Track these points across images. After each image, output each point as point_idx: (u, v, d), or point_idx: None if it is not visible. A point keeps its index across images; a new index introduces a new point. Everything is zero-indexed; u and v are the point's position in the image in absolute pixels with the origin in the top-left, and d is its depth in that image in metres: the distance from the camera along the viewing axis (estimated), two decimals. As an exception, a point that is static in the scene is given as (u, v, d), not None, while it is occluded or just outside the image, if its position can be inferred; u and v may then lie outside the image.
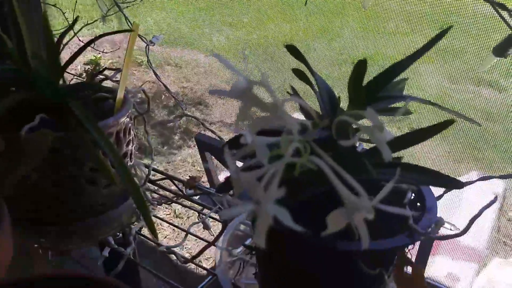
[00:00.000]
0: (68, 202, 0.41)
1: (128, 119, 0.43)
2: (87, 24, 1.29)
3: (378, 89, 0.28)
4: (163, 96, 2.26)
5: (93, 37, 0.44)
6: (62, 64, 0.42)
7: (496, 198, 0.28)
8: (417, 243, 0.95)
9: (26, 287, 0.26)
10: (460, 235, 0.28)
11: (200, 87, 2.50)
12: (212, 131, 0.53)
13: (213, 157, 1.16)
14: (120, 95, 0.41)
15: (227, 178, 0.27)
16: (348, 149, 0.23)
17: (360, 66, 0.24)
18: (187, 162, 1.93)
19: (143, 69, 2.62)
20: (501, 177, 0.37)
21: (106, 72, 0.48)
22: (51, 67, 0.40)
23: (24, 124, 0.36)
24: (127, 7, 0.77)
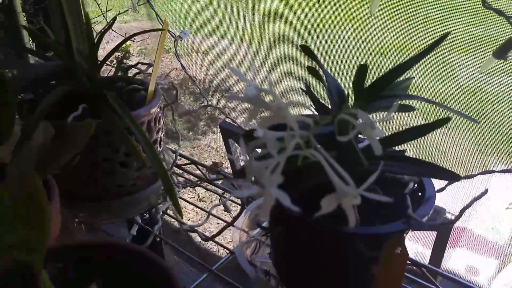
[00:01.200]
0: (103, 182, 0.46)
1: (158, 109, 0.47)
2: (120, 14, 1.35)
3: (379, 89, 0.31)
4: (189, 83, 2.32)
5: (123, 24, 0.48)
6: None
7: (486, 190, 0.31)
8: (434, 234, 0.97)
9: (71, 252, 0.31)
10: (452, 223, 0.31)
11: (225, 75, 2.53)
12: (233, 121, 0.57)
13: (236, 144, 1.20)
14: (151, 87, 0.46)
15: (243, 166, 0.31)
16: (347, 144, 0.26)
17: (362, 70, 0.27)
18: (211, 147, 1.99)
19: (171, 56, 2.68)
20: (503, 171, 0.40)
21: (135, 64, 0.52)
22: (92, 61, 0.45)
23: (66, 112, 0.41)
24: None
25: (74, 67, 0.44)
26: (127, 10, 1.70)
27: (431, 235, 1.00)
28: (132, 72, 0.50)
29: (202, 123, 2.12)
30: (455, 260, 1.20)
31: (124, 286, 0.30)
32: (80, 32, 0.45)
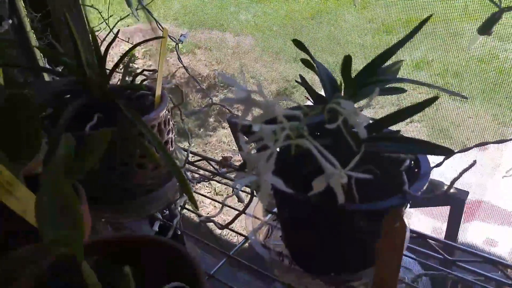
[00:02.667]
0: (122, 183, 0.50)
1: (166, 112, 0.50)
2: (121, 19, 1.39)
3: (368, 76, 0.33)
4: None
5: (125, 28, 0.51)
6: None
7: (475, 162, 0.33)
8: (447, 209, 0.98)
9: (104, 246, 0.35)
10: (444, 194, 0.33)
11: (231, 69, 2.55)
12: (238, 116, 0.60)
13: (246, 137, 1.23)
14: (158, 92, 0.49)
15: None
16: (339, 130, 0.29)
17: (346, 60, 0.30)
18: (222, 142, 2.03)
19: (175, 55, 2.71)
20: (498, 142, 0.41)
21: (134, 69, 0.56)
22: (101, 73, 0.48)
23: (82, 122, 0.45)
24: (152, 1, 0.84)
25: (85, 81, 0.47)
26: (128, 15, 1.74)
27: (446, 210, 1.01)
28: (137, 79, 0.53)
29: (211, 119, 2.15)
30: (472, 233, 1.20)
31: (153, 274, 0.34)
32: (87, 45, 0.48)
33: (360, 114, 0.25)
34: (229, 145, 1.98)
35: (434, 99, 0.33)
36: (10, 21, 0.72)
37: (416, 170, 0.39)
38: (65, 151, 0.38)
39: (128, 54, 0.53)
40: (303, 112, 0.26)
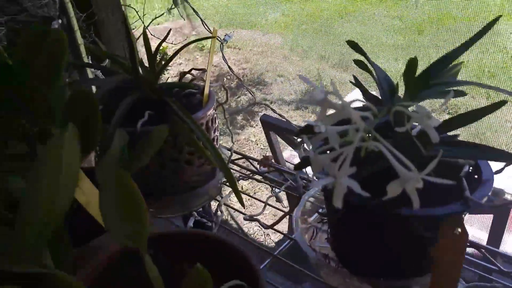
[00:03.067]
0: (170, 179, 0.51)
1: (213, 111, 0.51)
2: (155, 18, 1.43)
3: (429, 78, 0.33)
4: (225, 79, 2.37)
5: (156, 26, 0.52)
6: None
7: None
8: (490, 218, 0.94)
9: (160, 240, 0.35)
10: (508, 204, 0.32)
11: (259, 68, 2.56)
12: (281, 116, 0.60)
13: (278, 136, 1.23)
14: (206, 91, 0.50)
15: (303, 158, 0.34)
16: (402, 133, 0.29)
17: (411, 63, 0.29)
18: (250, 141, 2.03)
19: (204, 53, 2.75)
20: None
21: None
22: (152, 72, 0.49)
23: (132, 118, 0.46)
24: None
25: (138, 79, 0.48)
26: (163, 13, 1.77)
27: (488, 219, 0.97)
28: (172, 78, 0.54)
29: (240, 117, 2.16)
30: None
31: (210, 268, 0.34)
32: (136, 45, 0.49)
33: (432, 117, 0.25)
34: (257, 144, 1.99)
35: (502, 103, 0.32)
36: (60, 21, 0.75)
37: (476, 176, 0.38)
38: (119, 146, 0.39)
39: (160, 49, 0.53)
40: (373, 114, 0.25)
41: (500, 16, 0.33)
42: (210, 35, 0.55)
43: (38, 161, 0.24)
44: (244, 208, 0.48)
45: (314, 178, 0.23)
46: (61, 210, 0.25)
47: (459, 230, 0.32)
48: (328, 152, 0.28)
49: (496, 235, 0.84)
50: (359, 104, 0.35)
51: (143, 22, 1.25)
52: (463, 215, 0.36)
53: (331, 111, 0.25)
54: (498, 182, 0.39)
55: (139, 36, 0.64)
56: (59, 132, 0.24)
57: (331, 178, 0.22)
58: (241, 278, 0.31)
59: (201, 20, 0.61)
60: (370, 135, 0.26)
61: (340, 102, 0.23)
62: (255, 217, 0.50)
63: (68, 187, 0.26)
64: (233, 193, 0.53)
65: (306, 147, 0.27)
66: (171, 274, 0.33)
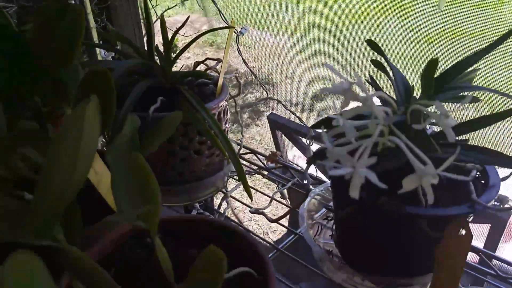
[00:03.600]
0: (179, 167, 0.51)
1: (225, 102, 0.51)
2: (168, 9, 1.44)
3: (446, 81, 0.33)
4: (233, 76, 2.37)
5: (166, 18, 0.52)
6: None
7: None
8: (487, 228, 0.95)
9: (169, 225, 0.36)
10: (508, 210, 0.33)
11: (267, 68, 2.56)
12: (292, 112, 0.60)
13: (283, 135, 1.24)
14: (220, 82, 0.50)
15: (316, 152, 0.34)
16: (419, 131, 0.29)
17: (431, 64, 0.29)
18: (255, 139, 2.04)
19: (214, 49, 2.75)
20: None
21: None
22: (167, 59, 0.49)
23: (144, 104, 0.46)
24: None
25: (152, 65, 0.49)
26: (176, 5, 1.78)
27: (484, 229, 0.98)
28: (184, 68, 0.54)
29: (245, 115, 2.17)
30: (510, 253, 1.16)
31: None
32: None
33: (450, 117, 0.25)
34: (261, 143, 1.99)
35: (514, 110, 0.33)
36: (73, 2, 0.75)
37: (482, 181, 0.38)
38: (131, 130, 0.40)
39: (173, 42, 0.53)
40: (392, 110, 0.26)
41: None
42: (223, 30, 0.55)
43: (61, 131, 0.24)
44: (252, 201, 0.48)
45: (331, 167, 0.23)
46: (78, 183, 0.26)
47: (464, 231, 0.32)
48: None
49: (492, 243, 0.84)
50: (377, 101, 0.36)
51: (155, 12, 1.26)
52: (469, 217, 0.37)
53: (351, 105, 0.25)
54: (504, 189, 0.40)
55: (155, 21, 0.64)
56: (83, 101, 0.24)
57: (350, 168, 0.22)
58: (250, 266, 0.31)
59: (219, 11, 0.62)
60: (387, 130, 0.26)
61: (364, 95, 0.23)
62: (260, 210, 0.50)
63: (86, 160, 0.26)
64: (238, 187, 0.54)
65: (324, 140, 0.28)
66: (178, 258, 0.33)
